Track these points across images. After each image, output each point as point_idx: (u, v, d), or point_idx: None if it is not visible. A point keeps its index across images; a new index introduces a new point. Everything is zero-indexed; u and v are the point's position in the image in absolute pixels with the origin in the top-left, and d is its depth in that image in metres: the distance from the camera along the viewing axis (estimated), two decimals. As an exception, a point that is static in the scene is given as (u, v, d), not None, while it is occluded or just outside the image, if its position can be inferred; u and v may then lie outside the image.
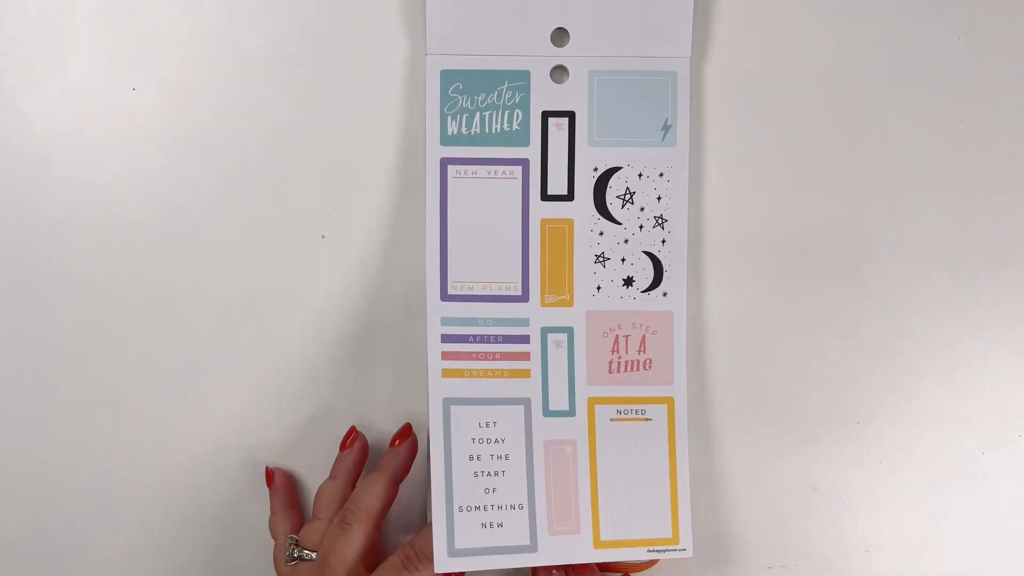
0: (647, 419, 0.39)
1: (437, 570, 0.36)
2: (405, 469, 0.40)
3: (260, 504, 0.41)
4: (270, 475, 0.40)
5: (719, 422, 0.41)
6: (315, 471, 0.41)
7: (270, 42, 0.39)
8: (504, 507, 0.38)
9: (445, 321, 0.38)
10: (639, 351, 0.39)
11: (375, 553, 0.38)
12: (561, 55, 0.38)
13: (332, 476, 0.40)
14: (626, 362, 0.39)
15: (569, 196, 0.39)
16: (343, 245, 0.40)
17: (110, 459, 0.41)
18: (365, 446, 0.40)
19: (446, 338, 0.38)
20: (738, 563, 0.41)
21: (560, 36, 0.38)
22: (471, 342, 0.39)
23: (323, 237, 0.40)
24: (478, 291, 0.39)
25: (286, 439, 0.41)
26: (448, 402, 0.38)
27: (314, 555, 0.38)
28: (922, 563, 0.42)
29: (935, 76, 0.40)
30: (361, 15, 0.39)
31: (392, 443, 0.40)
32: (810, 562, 0.41)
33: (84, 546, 0.41)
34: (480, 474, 0.38)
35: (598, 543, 0.38)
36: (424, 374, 0.39)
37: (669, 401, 0.39)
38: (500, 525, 0.38)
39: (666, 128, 0.38)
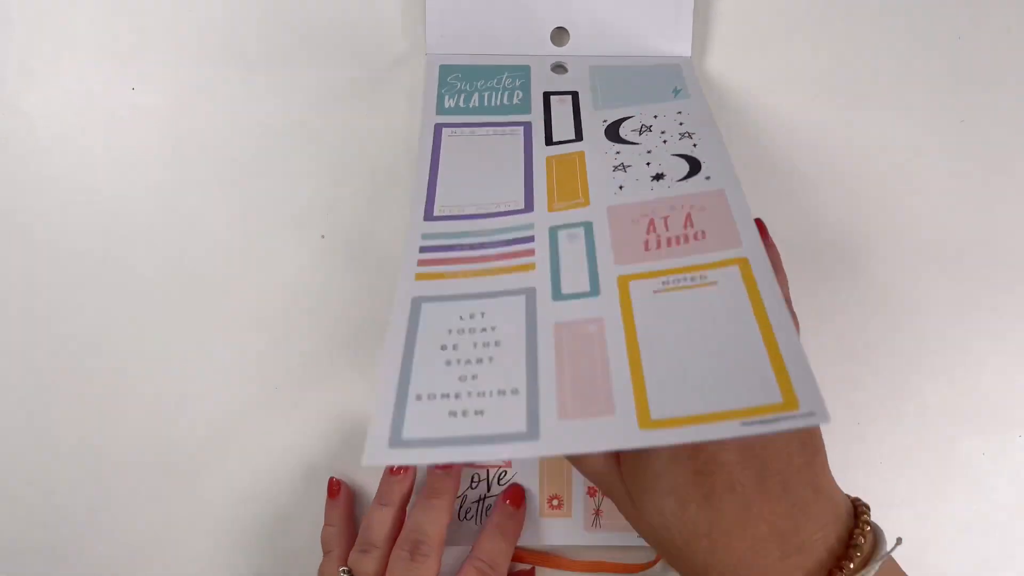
0: (710, 283, 0.29)
1: (365, 462, 0.27)
2: (456, 489, 0.38)
3: (259, 506, 0.41)
4: (334, 486, 0.39)
5: (719, 422, 0.41)
6: (315, 472, 0.41)
7: (270, 42, 0.39)
8: (490, 393, 0.28)
9: (426, 237, 0.32)
10: (684, 226, 0.31)
11: None
12: (561, 54, 0.38)
13: (383, 502, 0.38)
14: (668, 238, 0.31)
15: (578, 138, 0.35)
16: (343, 245, 0.40)
17: (110, 460, 0.41)
18: (414, 472, 0.39)
19: (426, 250, 0.31)
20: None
21: (560, 35, 0.38)
22: (458, 250, 0.32)
23: (323, 237, 0.40)
24: (470, 211, 0.33)
25: (285, 439, 0.41)
26: (419, 300, 0.30)
27: None
28: (922, 563, 0.41)
29: (935, 76, 0.40)
30: (361, 15, 0.39)
31: (436, 466, 0.38)
32: (810, 562, 0.41)
33: (84, 546, 0.41)
34: (456, 362, 0.29)
35: (646, 422, 0.26)
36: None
37: (741, 262, 0.29)
38: (480, 412, 0.28)
39: (676, 92, 0.36)
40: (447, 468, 0.38)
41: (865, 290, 0.40)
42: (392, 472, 0.38)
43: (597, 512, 0.40)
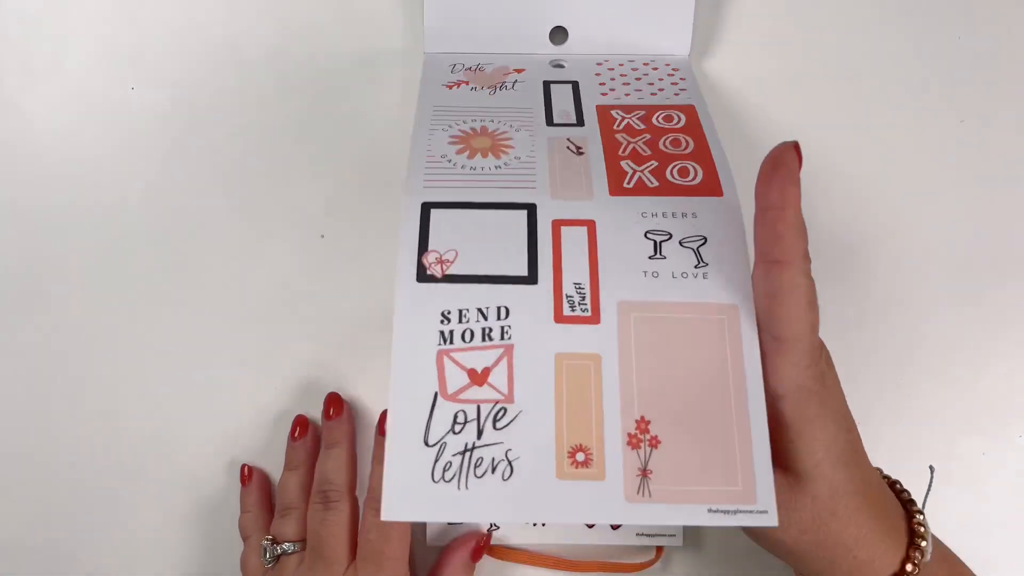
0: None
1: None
2: (353, 435, 0.40)
3: (260, 504, 0.41)
4: (246, 473, 0.40)
5: (719, 422, 0.41)
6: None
7: (270, 42, 0.39)
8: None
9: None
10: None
11: (357, 525, 0.38)
12: (560, 53, 0.38)
13: (290, 467, 0.39)
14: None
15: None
16: (343, 245, 0.40)
17: (109, 458, 0.41)
18: (317, 431, 0.40)
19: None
20: (739, 563, 0.41)
21: (559, 35, 0.38)
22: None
23: (323, 237, 0.40)
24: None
25: (283, 439, 0.41)
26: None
27: (295, 547, 0.37)
28: (922, 563, 0.41)
29: (935, 76, 0.40)
30: (361, 14, 0.39)
31: (327, 416, 0.39)
32: (810, 562, 0.41)
33: (82, 546, 0.41)
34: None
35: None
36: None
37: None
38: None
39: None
40: (338, 415, 0.39)
41: (865, 290, 0.40)
42: (293, 439, 0.40)
43: (644, 472, 0.26)
